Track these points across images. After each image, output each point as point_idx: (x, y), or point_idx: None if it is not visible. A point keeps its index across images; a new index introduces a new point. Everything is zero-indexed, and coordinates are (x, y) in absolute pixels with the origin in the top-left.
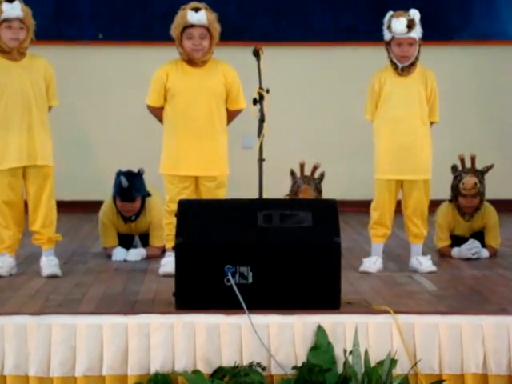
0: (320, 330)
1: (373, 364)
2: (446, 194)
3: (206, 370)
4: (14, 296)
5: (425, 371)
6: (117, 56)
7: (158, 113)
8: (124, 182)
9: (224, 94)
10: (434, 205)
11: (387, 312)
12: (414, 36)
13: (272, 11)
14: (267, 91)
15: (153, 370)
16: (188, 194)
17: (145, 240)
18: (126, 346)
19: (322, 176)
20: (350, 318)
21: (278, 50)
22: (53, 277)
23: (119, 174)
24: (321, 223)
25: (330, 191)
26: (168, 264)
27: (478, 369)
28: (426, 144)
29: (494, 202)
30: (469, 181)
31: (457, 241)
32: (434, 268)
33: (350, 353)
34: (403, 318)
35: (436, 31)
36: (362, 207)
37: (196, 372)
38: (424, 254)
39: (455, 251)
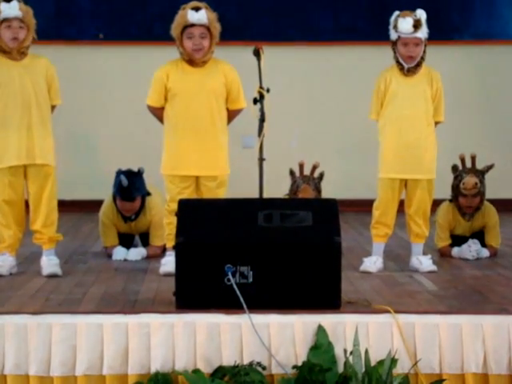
0: (320, 330)
1: (373, 363)
2: (447, 193)
3: (206, 369)
4: (15, 295)
5: (425, 371)
6: (117, 56)
7: (158, 113)
8: (124, 181)
9: (224, 93)
10: (435, 204)
11: (387, 311)
12: (420, 36)
13: (272, 11)
14: (267, 91)
15: (153, 370)
16: (189, 194)
17: (145, 239)
18: (126, 345)
19: (321, 176)
20: (351, 318)
21: (278, 50)
22: (53, 276)
23: (119, 173)
24: (321, 223)
25: (329, 191)
26: (168, 263)
27: (479, 368)
28: (430, 144)
29: (494, 202)
30: (469, 181)
31: (457, 240)
32: (434, 268)
33: (351, 352)
34: (403, 318)
35: (437, 31)
36: (362, 207)
37: (196, 371)
38: (424, 253)
39: (455, 251)
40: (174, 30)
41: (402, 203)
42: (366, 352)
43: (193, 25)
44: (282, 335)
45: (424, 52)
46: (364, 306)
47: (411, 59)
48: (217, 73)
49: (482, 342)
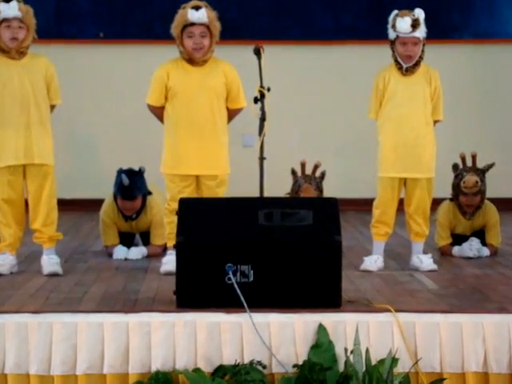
0: (321, 329)
1: (374, 362)
2: (447, 192)
3: (206, 368)
4: (15, 294)
5: (426, 369)
6: (117, 55)
7: (158, 112)
8: (125, 180)
9: (224, 92)
10: (435, 203)
11: (388, 310)
12: (418, 35)
13: (273, 10)
14: (268, 90)
15: (154, 369)
16: (189, 193)
17: (146, 238)
18: (126, 344)
19: (322, 175)
20: (351, 317)
21: (278, 49)
22: (53, 275)
23: (120, 172)
24: (322, 222)
25: (330, 190)
26: (169, 262)
27: (479, 367)
28: (429, 142)
29: (494, 201)
30: (470, 179)
31: (458, 239)
32: (434, 266)
33: (351, 351)
34: (404, 317)
35: (436, 30)
36: (363, 206)
37: (197, 370)
38: (425, 252)
39: (456, 250)
40: (175, 29)
41: (402, 202)
42: (367, 351)
43: (193, 24)
44: (282, 334)
45: (422, 51)
46: (364, 305)
47: (409, 58)
48: (217, 72)
49: (483, 340)
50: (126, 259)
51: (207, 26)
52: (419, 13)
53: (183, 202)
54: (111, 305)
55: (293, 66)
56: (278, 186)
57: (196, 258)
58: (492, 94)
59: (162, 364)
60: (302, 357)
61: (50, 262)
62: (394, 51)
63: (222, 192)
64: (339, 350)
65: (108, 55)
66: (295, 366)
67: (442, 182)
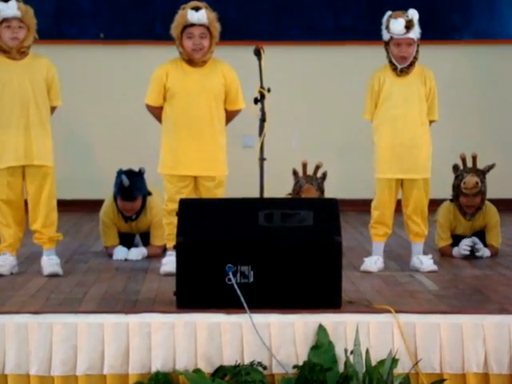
0: (321, 329)
1: (374, 363)
2: (448, 193)
3: (207, 368)
4: (15, 295)
5: (426, 370)
6: (118, 55)
7: (156, 112)
8: (125, 180)
9: (223, 94)
10: (435, 204)
11: (388, 311)
12: (412, 36)
13: (273, 10)
14: (268, 90)
15: (154, 369)
16: (187, 194)
17: (146, 239)
18: (127, 345)
19: (324, 175)
20: (351, 318)
21: (278, 50)
22: (54, 276)
23: (120, 172)
24: (322, 222)
25: (332, 190)
26: (169, 263)
27: (479, 368)
28: (425, 143)
29: (495, 202)
30: (470, 180)
31: (458, 240)
32: (435, 267)
33: (351, 352)
34: (404, 318)
35: (436, 30)
36: (363, 206)
37: (197, 371)
38: (425, 253)
39: (456, 250)
40: (174, 29)
41: (400, 202)
42: (367, 352)
43: (193, 25)
44: (282, 335)
45: (417, 52)
46: (365, 306)
47: (404, 59)
48: (216, 73)
49: (483, 341)
50: (126, 260)
51: (207, 27)
52: (413, 14)
53: (183, 203)
54: (111, 305)
55: (293, 66)
56: (279, 187)
57: (196, 259)
58: (492, 94)
59: (162, 364)
60: (302, 357)
61: (50, 263)
62: (388, 52)
63: (221, 193)
64: (339, 351)
65: (108, 56)
66: (295, 366)
67: (442, 182)
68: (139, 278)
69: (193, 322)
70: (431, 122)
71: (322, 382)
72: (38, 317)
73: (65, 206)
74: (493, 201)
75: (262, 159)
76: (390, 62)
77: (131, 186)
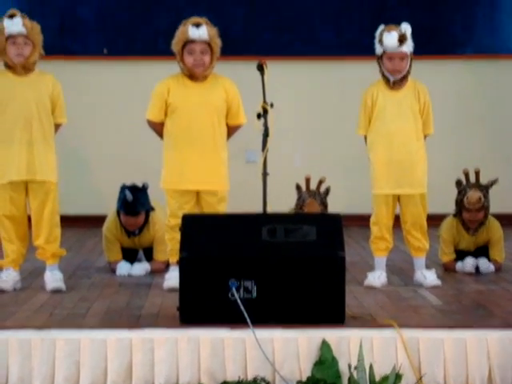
0: (324, 345)
1: (378, 378)
2: (451, 208)
3: None
4: (19, 310)
5: None
6: (121, 71)
7: (158, 128)
8: (129, 196)
9: (225, 109)
10: (438, 219)
11: (392, 326)
12: (405, 50)
13: (275, 25)
14: (271, 105)
15: None
16: (189, 209)
17: (149, 254)
18: (130, 360)
19: (327, 190)
20: (355, 333)
21: (281, 65)
22: (57, 291)
23: (124, 188)
24: (325, 237)
25: (335, 205)
26: (172, 278)
27: (484, 383)
28: (421, 158)
29: (498, 216)
30: (473, 195)
31: (461, 255)
32: (438, 282)
33: (355, 367)
34: (408, 333)
35: (439, 45)
36: (366, 221)
37: None
38: (428, 268)
39: (459, 265)
40: (175, 45)
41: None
42: (371, 367)
43: (193, 41)
44: (286, 350)
45: (410, 66)
46: (368, 321)
47: (397, 73)
48: (217, 88)
49: (487, 356)
50: (129, 275)
51: (208, 43)
52: (406, 27)
53: (186, 218)
54: (114, 321)
55: (296, 81)
56: (282, 202)
57: (199, 274)
58: (495, 109)
59: (165, 380)
60: (305, 373)
61: (53, 278)
62: (381, 66)
63: (223, 208)
64: (343, 366)
65: (111, 71)
66: (299, 382)
67: (445, 197)
68: (142, 294)
69: (196, 337)
70: (426, 135)
71: None
72: (41, 332)
73: (68, 221)
74: (496, 215)
75: (264, 174)
76: (383, 75)
77: (134, 201)
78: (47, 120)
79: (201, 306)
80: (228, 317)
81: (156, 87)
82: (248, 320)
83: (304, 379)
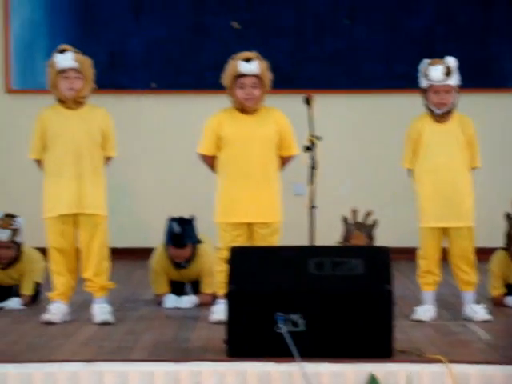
0: (372, 379)
1: None
2: (498, 241)
3: None
4: (67, 343)
5: None
6: (169, 104)
7: (210, 161)
8: (176, 228)
9: (276, 140)
10: (488, 253)
11: (440, 361)
12: (451, 83)
13: (323, 59)
14: (318, 138)
15: None
16: (242, 242)
17: (196, 287)
18: None
19: (374, 223)
20: (403, 367)
21: (329, 98)
22: (105, 324)
23: (171, 220)
24: (373, 271)
25: (383, 239)
26: (219, 311)
27: None
28: (468, 191)
29: None
30: None
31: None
32: (488, 317)
33: None
34: (457, 368)
35: (488, 78)
36: (414, 255)
37: None
38: (478, 302)
39: (509, 300)
40: (226, 79)
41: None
42: None
43: (244, 75)
44: None
45: (456, 99)
46: (416, 356)
47: (442, 106)
48: (268, 120)
49: None
50: (176, 308)
51: (258, 77)
52: (451, 61)
53: (234, 251)
54: (162, 354)
55: (343, 114)
56: (329, 235)
57: (247, 307)
58: None
59: None
60: None
61: (101, 311)
62: (426, 100)
63: (276, 241)
64: None
65: (160, 105)
66: None
67: (495, 231)
68: (190, 326)
69: (243, 370)
70: (473, 168)
71: None
72: (89, 365)
73: (116, 254)
74: None
75: (312, 207)
76: (428, 108)
77: (182, 234)
78: (97, 153)
79: (248, 339)
80: (275, 350)
81: (208, 121)
82: (295, 353)
83: None
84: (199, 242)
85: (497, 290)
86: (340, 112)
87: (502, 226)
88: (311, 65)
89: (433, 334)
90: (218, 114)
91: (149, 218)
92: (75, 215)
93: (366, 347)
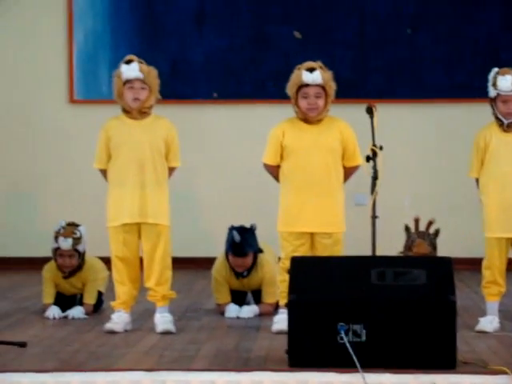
0: None
1: None
2: None
3: None
4: (129, 352)
5: None
6: (231, 114)
7: (274, 171)
8: (236, 236)
9: (340, 150)
10: None
11: (505, 373)
12: None
13: (385, 68)
14: (380, 148)
15: None
16: (303, 252)
17: (257, 297)
18: None
19: (436, 232)
20: (467, 379)
21: (391, 107)
22: (167, 333)
23: (232, 229)
24: (435, 281)
25: (445, 248)
26: (281, 321)
27: None
28: None
29: None
30: None
31: None
32: None
33: None
34: None
35: None
36: (478, 265)
37: None
38: None
39: None
40: (290, 89)
41: None
42: None
43: (308, 85)
44: None
45: None
46: (480, 367)
47: (510, 115)
48: (332, 130)
49: None
50: (238, 317)
51: (322, 87)
52: None
53: (295, 261)
54: (223, 363)
55: (406, 124)
56: (391, 245)
57: (308, 317)
58: None
59: None
60: None
61: (163, 320)
62: (494, 109)
63: (338, 251)
64: None
65: (222, 115)
66: None
67: None
68: (251, 336)
69: (305, 380)
70: None
71: None
72: (151, 374)
73: (179, 263)
74: None
75: (374, 217)
76: (497, 118)
77: (242, 242)
78: (161, 163)
79: (309, 349)
80: (336, 360)
81: (272, 131)
82: (357, 364)
83: None
84: (260, 251)
85: None
86: (402, 121)
87: None
88: (373, 74)
89: (497, 345)
90: (282, 123)
91: (211, 228)
92: (138, 224)
93: (429, 358)
